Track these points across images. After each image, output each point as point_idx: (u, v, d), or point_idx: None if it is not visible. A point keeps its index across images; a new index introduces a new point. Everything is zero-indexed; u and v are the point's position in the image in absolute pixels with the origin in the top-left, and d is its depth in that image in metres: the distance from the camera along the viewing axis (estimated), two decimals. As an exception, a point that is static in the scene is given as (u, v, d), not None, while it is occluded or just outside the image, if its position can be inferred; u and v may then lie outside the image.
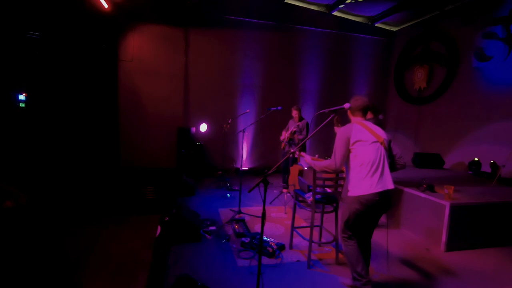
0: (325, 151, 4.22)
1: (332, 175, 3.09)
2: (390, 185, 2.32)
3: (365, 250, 2.54)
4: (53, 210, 3.92)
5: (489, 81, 5.53)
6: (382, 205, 2.32)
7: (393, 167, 2.53)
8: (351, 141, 2.34)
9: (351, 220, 2.39)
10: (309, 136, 2.53)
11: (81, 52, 5.59)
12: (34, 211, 3.78)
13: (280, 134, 5.56)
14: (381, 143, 2.36)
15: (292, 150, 2.72)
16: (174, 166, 6.59)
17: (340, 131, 2.43)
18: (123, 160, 6.41)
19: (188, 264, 2.87)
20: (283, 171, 5.83)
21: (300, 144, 2.65)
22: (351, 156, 2.36)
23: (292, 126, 5.39)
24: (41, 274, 2.56)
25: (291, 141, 5.33)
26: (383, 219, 4.45)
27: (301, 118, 5.41)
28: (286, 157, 2.65)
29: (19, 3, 4.68)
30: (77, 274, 2.59)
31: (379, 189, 2.25)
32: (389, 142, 2.48)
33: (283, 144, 5.49)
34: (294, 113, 5.39)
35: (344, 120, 3.82)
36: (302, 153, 2.75)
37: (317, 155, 2.72)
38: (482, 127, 5.58)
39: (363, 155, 2.31)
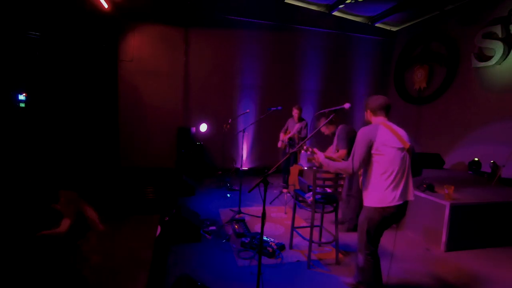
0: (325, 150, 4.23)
1: (332, 175, 3.10)
2: (411, 197, 2.16)
3: None
4: (53, 210, 3.92)
5: (489, 81, 5.53)
6: (399, 216, 2.19)
7: (415, 172, 2.31)
8: (375, 146, 2.09)
9: (372, 233, 2.21)
10: (309, 137, 2.52)
11: (81, 52, 5.58)
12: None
13: (280, 134, 5.57)
14: (407, 151, 2.13)
15: (291, 150, 2.65)
16: (174, 166, 6.59)
17: (362, 132, 2.16)
18: (123, 160, 6.41)
19: (188, 264, 2.87)
20: (283, 171, 5.83)
21: (300, 144, 2.63)
22: (373, 161, 2.12)
23: (291, 125, 5.40)
24: (42, 274, 2.56)
25: (291, 142, 5.35)
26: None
27: (301, 119, 5.40)
28: (287, 156, 2.62)
29: (19, 3, 4.68)
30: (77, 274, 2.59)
31: (400, 201, 2.09)
32: (413, 147, 2.26)
33: (283, 145, 5.51)
34: (295, 112, 5.37)
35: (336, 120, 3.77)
36: (315, 150, 2.48)
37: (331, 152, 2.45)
38: (482, 127, 5.58)
39: (388, 163, 2.08)
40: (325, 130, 3.75)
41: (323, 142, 7.56)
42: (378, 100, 2.24)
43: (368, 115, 2.31)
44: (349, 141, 3.45)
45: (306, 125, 5.31)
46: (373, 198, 2.15)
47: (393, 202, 2.08)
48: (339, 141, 3.50)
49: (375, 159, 2.11)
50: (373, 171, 2.14)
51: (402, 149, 2.10)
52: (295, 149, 2.45)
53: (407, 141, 2.13)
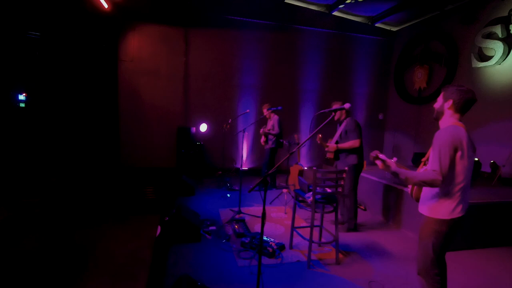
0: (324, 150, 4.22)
1: (332, 175, 3.10)
2: (467, 206, 1.95)
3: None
4: (53, 210, 3.92)
5: (489, 81, 5.53)
6: (460, 227, 1.94)
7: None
8: (461, 151, 1.79)
9: (440, 247, 1.91)
10: (309, 137, 2.51)
11: (81, 52, 5.59)
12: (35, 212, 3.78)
13: (280, 134, 5.64)
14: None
15: (291, 150, 2.62)
16: (174, 166, 6.59)
17: (449, 135, 1.80)
18: (123, 160, 6.41)
19: (188, 264, 2.87)
20: (264, 166, 5.85)
21: (304, 142, 2.62)
22: (454, 168, 1.83)
23: (268, 122, 5.69)
24: (42, 274, 2.56)
25: (267, 137, 5.67)
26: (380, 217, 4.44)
27: (271, 116, 5.65)
28: (287, 156, 2.60)
29: (19, 3, 4.68)
30: (77, 274, 2.59)
31: (464, 212, 1.89)
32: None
33: (262, 142, 5.77)
34: (264, 110, 5.58)
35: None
36: (383, 156, 1.91)
37: (395, 158, 1.99)
38: (482, 127, 5.58)
39: (467, 170, 1.84)
40: (338, 114, 3.85)
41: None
42: (468, 93, 1.84)
43: (449, 107, 1.89)
44: (359, 132, 3.68)
45: (278, 120, 5.53)
46: (443, 209, 1.86)
47: (461, 212, 1.86)
48: (350, 133, 3.69)
49: (458, 165, 1.82)
50: (451, 179, 1.83)
51: (474, 154, 1.90)
52: (295, 149, 2.44)
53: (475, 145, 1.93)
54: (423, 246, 1.95)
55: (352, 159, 3.73)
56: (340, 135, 3.76)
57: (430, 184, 1.78)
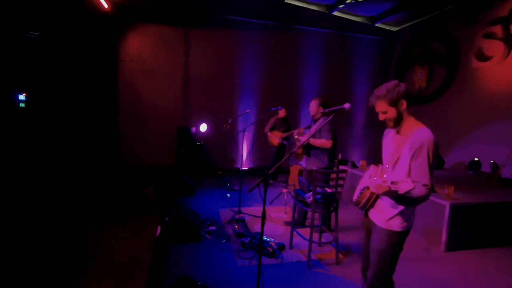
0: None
1: (332, 175, 3.09)
2: None
3: None
4: (53, 210, 3.92)
5: (489, 81, 5.53)
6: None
7: None
8: None
9: (395, 264, 1.83)
10: (308, 137, 2.51)
11: (81, 52, 5.59)
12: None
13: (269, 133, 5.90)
14: None
15: (291, 150, 2.56)
16: (174, 166, 6.59)
17: (433, 140, 1.62)
18: (123, 160, 6.41)
19: (188, 264, 2.87)
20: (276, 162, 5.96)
21: (304, 142, 2.62)
22: None
23: (279, 124, 5.88)
24: (42, 274, 2.56)
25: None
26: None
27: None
28: (287, 156, 2.59)
29: (19, 3, 4.68)
30: (77, 274, 2.59)
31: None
32: None
33: (280, 143, 5.85)
34: (284, 112, 5.88)
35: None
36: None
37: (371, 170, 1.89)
38: (482, 127, 5.58)
39: None
40: (314, 110, 3.62)
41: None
42: (400, 85, 1.74)
43: (405, 108, 1.75)
44: (334, 133, 3.45)
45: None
46: (403, 221, 1.73)
47: (412, 222, 1.77)
48: (325, 132, 3.44)
49: None
50: None
51: None
52: (295, 149, 2.43)
53: None
54: (380, 261, 1.80)
55: (323, 160, 3.52)
56: (314, 134, 3.53)
57: (418, 202, 1.61)
